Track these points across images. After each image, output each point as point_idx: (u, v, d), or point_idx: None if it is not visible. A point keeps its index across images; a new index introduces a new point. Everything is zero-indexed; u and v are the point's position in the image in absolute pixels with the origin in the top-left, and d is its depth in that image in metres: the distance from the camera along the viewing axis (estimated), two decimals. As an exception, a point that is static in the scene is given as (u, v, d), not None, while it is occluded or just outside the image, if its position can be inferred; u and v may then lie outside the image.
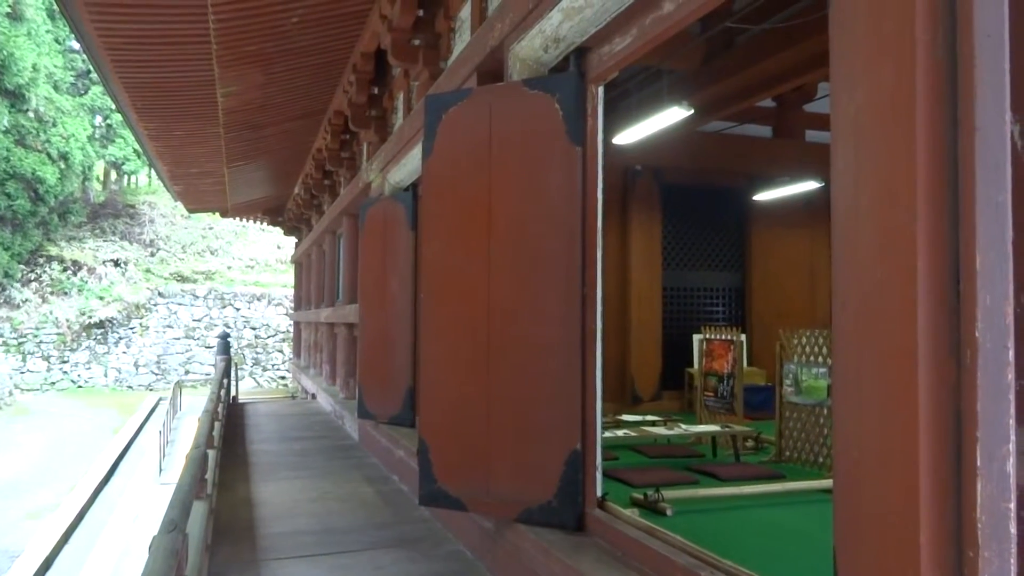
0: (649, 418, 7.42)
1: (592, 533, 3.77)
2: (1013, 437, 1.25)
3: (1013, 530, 1.24)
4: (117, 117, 29.27)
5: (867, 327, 1.64)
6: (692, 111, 6.87)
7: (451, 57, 6.38)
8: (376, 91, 9.28)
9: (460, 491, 4.25)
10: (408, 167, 7.50)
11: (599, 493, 3.87)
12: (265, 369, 28.42)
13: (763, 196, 10.04)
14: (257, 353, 28.50)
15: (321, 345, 14.26)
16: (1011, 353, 1.27)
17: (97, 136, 33.09)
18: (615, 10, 3.60)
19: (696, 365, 7.91)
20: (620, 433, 6.30)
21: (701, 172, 10.10)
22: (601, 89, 4.07)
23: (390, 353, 7.34)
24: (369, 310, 8.00)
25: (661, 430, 6.57)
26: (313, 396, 14.62)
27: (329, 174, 12.99)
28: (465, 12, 6.09)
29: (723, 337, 7.04)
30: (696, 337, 8.10)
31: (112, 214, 32.67)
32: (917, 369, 1.31)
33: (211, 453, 5.61)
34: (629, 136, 7.68)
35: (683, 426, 6.58)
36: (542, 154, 4.11)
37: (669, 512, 4.68)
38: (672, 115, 6.77)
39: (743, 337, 7.45)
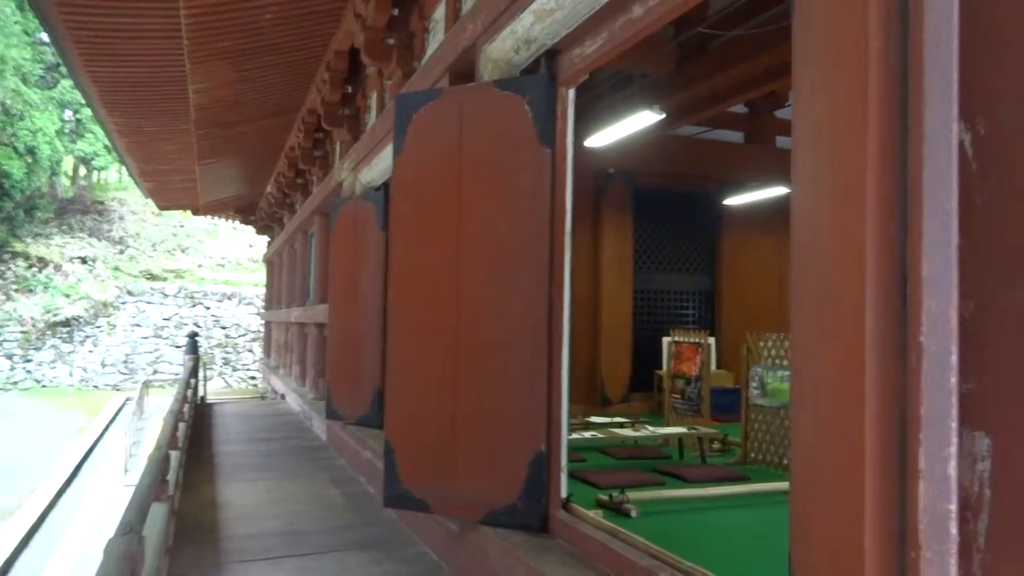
0: (617, 420, 7.46)
1: (556, 535, 3.77)
2: (955, 440, 1.28)
3: (954, 531, 1.26)
4: (87, 111, 28.79)
5: (821, 330, 1.66)
6: (664, 115, 6.92)
7: (424, 57, 6.36)
8: (349, 90, 9.23)
9: (425, 493, 4.24)
10: (379, 166, 7.46)
11: (564, 495, 3.87)
12: (235, 369, 28.11)
13: (734, 201, 10.14)
14: (227, 353, 28.18)
15: (291, 345, 14.14)
16: (955, 357, 1.29)
17: (66, 131, 32.54)
18: (585, 13, 3.62)
19: (665, 368, 7.96)
20: (588, 435, 6.32)
21: (673, 176, 10.18)
22: (572, 91, 4.08)
23: (359, 354, 7.29)
24: (338, 310, 7.94)
25: (628, 432, 6.61)
26: (283, 397, 14.49)
27: (302, 173, 12.89)
28: (440, 12, 6.08)
29: (691, 340, 7.09)
30: (665, 340, 8.15)
31: (80, 210, 32.14)
32: (864, 372, 1.33)
33: (174, 454, 5.53)
34: (602, 139, 7.72)
35: (650, 428, 6.62)
36: (512, 155, 4.11)
37: (634, 513, 4.70)
38: (644, 119, 6.81)
39: (711, 340, 7.52)
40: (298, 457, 8.27)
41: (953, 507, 1.27)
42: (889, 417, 1.31)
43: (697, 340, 7.00)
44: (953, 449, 1.28)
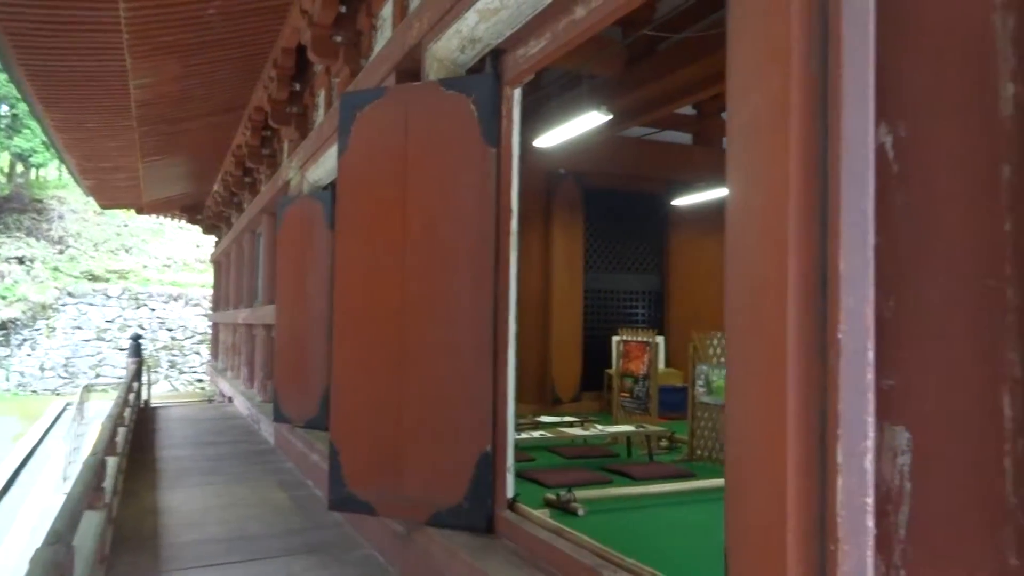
0: (567, 419, 7.50)
1: (502, 535, 3.77)
2: (872, 435, 1.31)
3: (871, 524, 1.29)
4: (24, 106, 27.81)
5: (749, 328, 1.68)
6: (612, 116, 6.98)
7: (372, 55, 6.30)
8: (297, 87, 9.09)
9: (370, 495, 4.19)
10: (327, 165, 7.37)
11: (510, 494, 3.88)
12: (182, 372, 27.46)
13: (682, 201, 10.28)
14: (173, 355, 27.52)
15: (239, 347, 13.88)
16: (871, 354, 1.32)
17: (2, 126, 31.39)
18: (529, 13, 3.63)
19: (614, 367, 8.03)
20: (537, 434, 6.34)
21: (624, 177, 10.28)
22: (518, 91, 4.09)
23: (306, 355, 7.19)
24: (286, 311, 7.82)
25: (577, 431, 6.65)
26: (230, 400, 14.21)
27: (249, 171, 12.66)
28: (387, 10, 6.03)
29: (639, 339, 7.17)
30: (615, 339, 8.23)
31: (17, 209, 31.02)
32: (786, 370, 1.36)
33: (112, 460, 5.37)
34: (551, 139, 7.75)
35: (598, 427, 6.67)
36: (457, 155, 4.10)
37: (581, 512, 4.73)
38: (592, 120, 6.86)
39: (660, 339, 7.61)
40: (245, 461, 8.11)
41: (870, 500, 1.30)
42: (810, 413, 1.34)
43: (645, 339, 7.08)
44: (870, 443, 1.31)
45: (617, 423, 7.25)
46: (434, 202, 4.16)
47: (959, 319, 1.56)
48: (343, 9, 6.70)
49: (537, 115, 8.18)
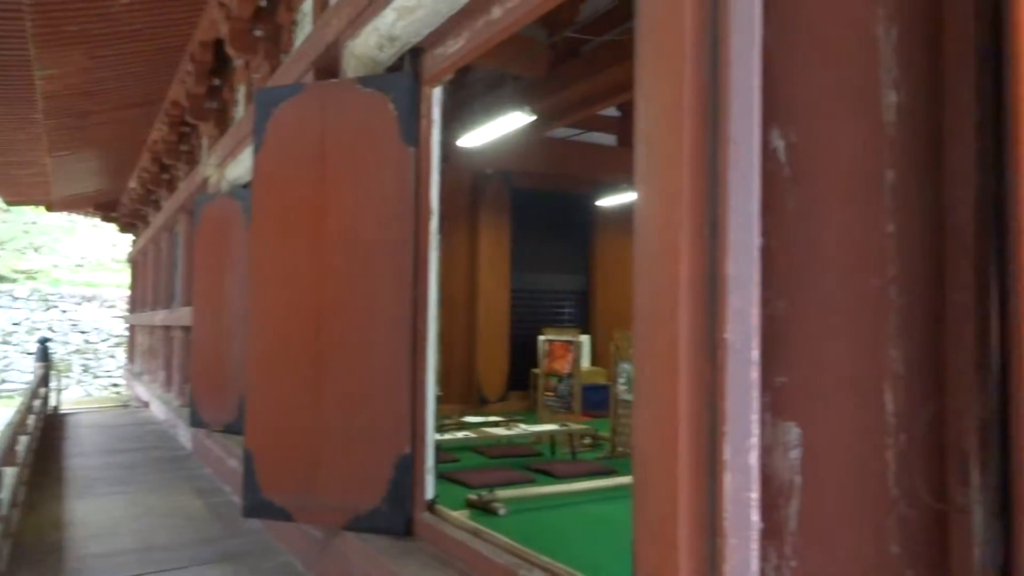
0: (492, 419, 7.50)
1: (420, 537, 3.74)
2: (757, 431, 1.35)
3: (755, 518, 1.33)
4: (-79, 96, 26.13)
5: (650, 329, 1.71)
6: (536, 117, 7.02)
7: (292, 51, 6.17)
8: (217, 82, 8.82)
9: (286, 501, 4.10)
10: (246, 163, 7.18)
11: (430, 496, 3.85)
12: (96, 376, 26.30)
13: (607, 202, 10.42)
14: (87, 359, 26.33)
15: (157, 350, 13.40)
16: (756, 353, 1.36)
17: None
18: (447, 12, 3.61)
19: (540, 366, 8.09)
20: (461, 435, 6.32)
21: (550, 177, 10.36)
22: (438, 90, 4.06)
23: (224, 357, 6.99)
24: (203, 312, 7.58)
25: (502, 431, 6.66)
26: (147, 405, 13.71)
27: (167, 168, 12.23)
28: (307, 5, 5.91)
29: (563, 338, 7.23)
30: (541, 338, 8.28)
31: (-86, 205, 29.16)
32: (679, 369, 1.38)
33: (10, 471, 5.09)
34: (476, 139, 7.74)
35: (522, 426, 6.70)
36: (376, 154, 4.05)
37: (502, 511, 4.73)
38: (516, 120, 6.89)
39: (585, 338, 7.70)
40: (160, 468, 7.83)
41: (755, 496, 1.33)
42: (701, 412, 1.36)
43: (569, 338, 7.15)
44: (755, 440, 1.35)
45: (542, 422, 7.30)
46: (352, 202, 4.09)
47: (846, 318, 1.62)
48: (263, 2, 6.54)
49: (463, 114, 8.16)
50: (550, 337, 7.47)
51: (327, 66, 4.76)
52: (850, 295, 1.58)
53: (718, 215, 1.36)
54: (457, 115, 8.54)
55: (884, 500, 1.60)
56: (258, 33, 6.62)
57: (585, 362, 8.75)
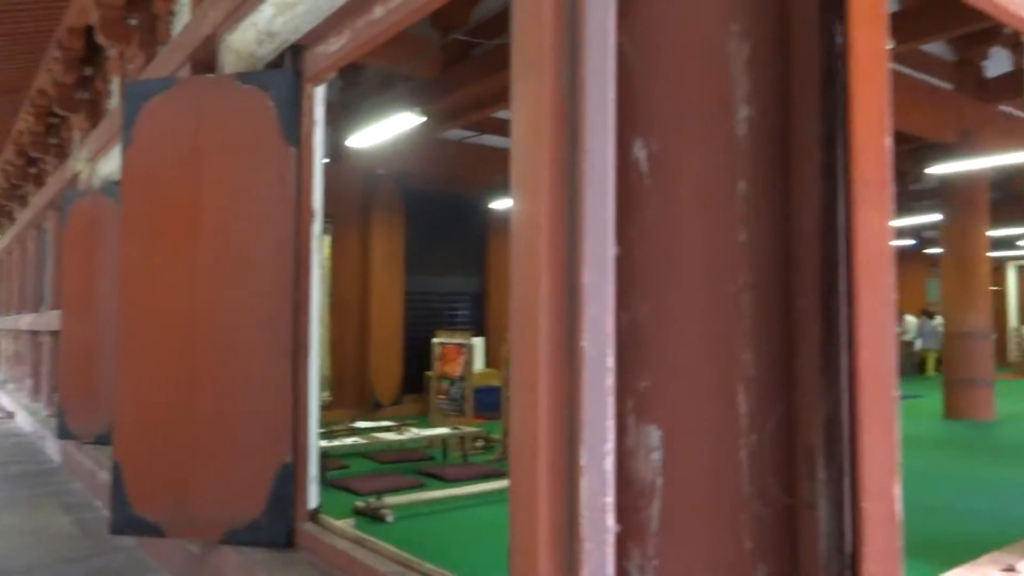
0: (384, 424, 7.40)
1: (303, 548, 3.63)
2: (612, 437, 1.38)
3: (611, 522, 1.35)
4: None
5: (520, 334, 1.72)
6: (427, 118, 6.97)
7: (169, 42, 5.88)
8: (89, 72, 8.31)
9: (158, 516, 3.89)
10: (120, 158, 6.79)
11: (312, 506, 3.75)
12: (-45, 385, 24.27)
13: (500, 205, 10.48)
14: (-55, 367, 24.25)
15: (23, 356, 12.50)
16: (610, 360, 1.39)
17: None
18: (327, 9, 3.52)
19: (432, 369, 8.04)
20: (351, 441, 6.20)
21: (444, 179, 10.32)
22: (320, 89, 3.96)
23: (95, 364, 6.58)
24: (72, 316, 7.12)
25: (393, 435, 6.58)
26: (12, 415, 12.76)
27: (34, 161, 11.43)
28: (185, -6, 5.65)
29: (456, 341, 7.22)
30: (435, 341, 8.24)
31: None
32: (540, 376, 1.39)
33: None
34: (367, 139, 7.62)
35: (414, 430, 6.64)
36: (254, 153, 3.90)
37: (390, 518, 4.67)
38: (407, 121, 6.82)
39: (478, 340, 7.70)
40: (24, 483, 7.29)
41: (610, 500, 1.36)
42: (560, 418, 1.38)
43: (461, 341, 7.14)
44: (611, 446, 1.37)
45: (434, 426, 7.25)
46: (229, 203, 3.93)
47: (703, 323, 1.68)
48: (138, -11, 6.21)
49: (354, 114, 8.02)
50: (443, 340, 7.43)
51: (204, 59, 4.56)
52: (706, 301, 1.63)
53: (576, 225, 1.38)
54: (348, 114, 8.38)
55: (738, 497, 1.66)
56: (132, 22, 6.28)
57: (479, 364, 8.75)
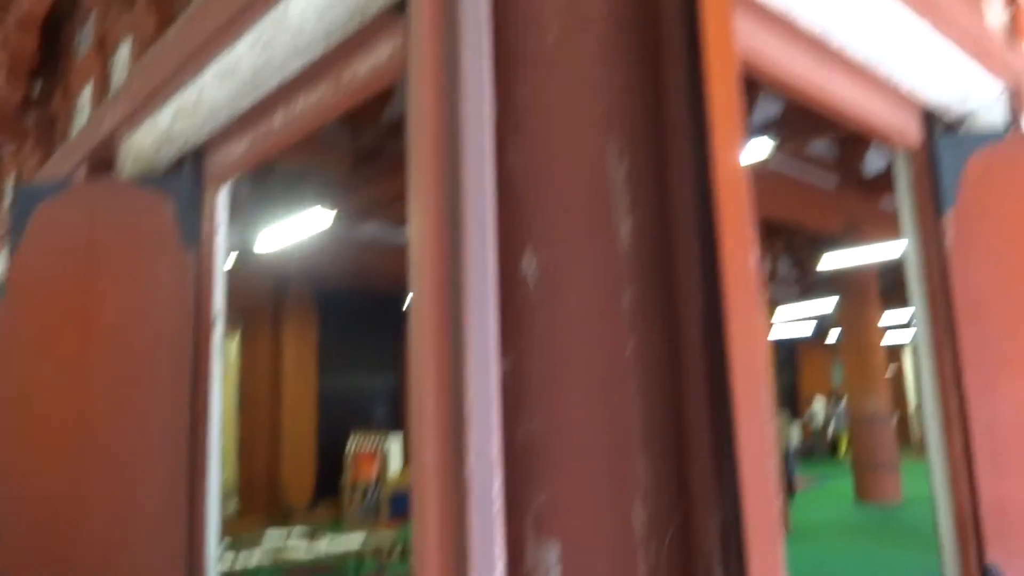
0: (297, 531, 7.03)
1: None
2: (501, 564, 1.33)
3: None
4: None
5: (416, 457, 1.67)
6: (338, 215, 6.97)
7: (67, 141, 5.74)
8: (-19, 170, 8.00)
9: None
10: (6, 262, 6.48)
11: (207, 635, 3.47)
12: None
13: (417, 300, 10.44)
14: None
15: None
16: (498, 483, 1.35)
17: None
18: (228, 115, 3.52)
19: (345, 474, 7.75)
20: (256, 557, 5.84)
21: (358, 276, 10.23)
22: (223, 191, 3.90)
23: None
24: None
25: (305, 545, 6.24)
26: None
27: (-82, 263, 10.77)
28: (86, 94, 5.57)
29: (370, 445, 7.01)
30: (349, 443, 7.98)
31: None
32: (428, 507, 1.34)
33: None
34: (278, 237, 7.54)
35: (328, 538, 6.32)
36: (151, 259, 3.79)
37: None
38: (318, 218, 6.80)
39: (396, 440, 7.50)
40: None
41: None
42: (450, 547, 1.33)
43: (374, 446, 6.95)
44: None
45: (349, 533, 6.93)
46: (123, 311, 3.77)
47: (595, 435, 1.67)
48: (37, 86, 6.09)
49: (266, 211, 7.95)
50: (356, 444, 7.20)
51: (103, 161, 4.45)
52: (598, 413, 1.63)
53: (459, 342, 1.37)
54: (260, 211, 8.30)
55: (638, 612, 1.62)
56: (29, 119, 6.13)
57: (398, 463, 8.50)
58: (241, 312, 8.84)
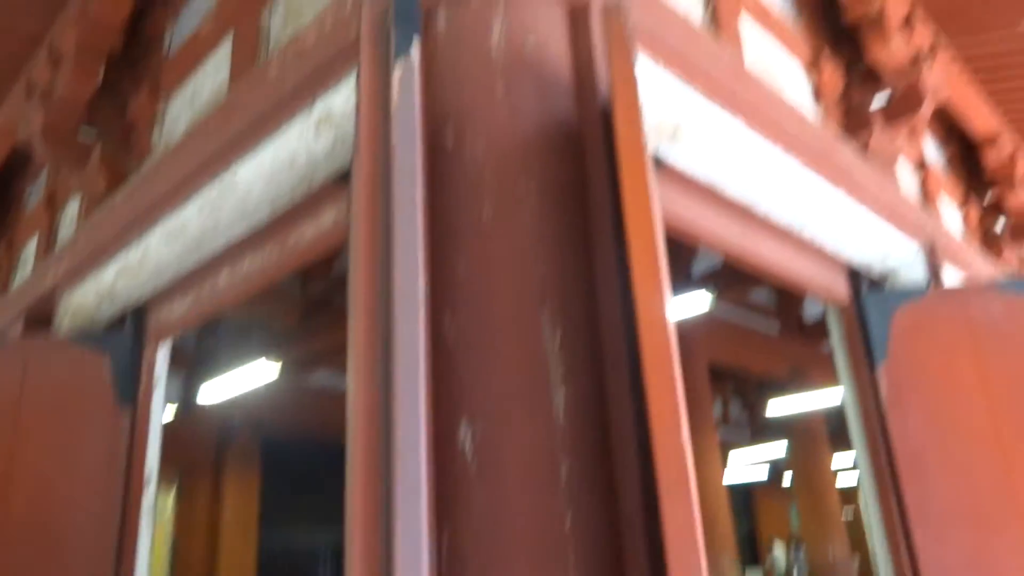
0: None
1: None
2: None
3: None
4: None
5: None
6: (284, 365, 6.88)
7: (6, 295, 5.64)
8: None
9: None
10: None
11: None
12: None
13: (366, 450, 10.15)
14: None
15: None
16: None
17: None
18: (172, 275, 3.52)
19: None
20: None
21: (307, 425, 9.94)
22: (163, 348, 3.84)
23: None
24: None
25: None
26: None
27: None
28: (30, 249, 5.54)
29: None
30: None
31: None
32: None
33: None
34: (222, 389, 7.36)
35: None
36: (83, 420, 3.65)
37: None
38: (263, 369, 6.69)
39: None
40: None
41: None
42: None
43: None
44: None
45: None
46: (48, 473, 3.58)
47: (535, 617, 1.59)
48: (-21, 243, 6.05)
49: (210, 363, 7.80)
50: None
51: (41, 315, 4.37)
52: (537, 592, 1.57)
53: (390, 522, 1.33)
54: (204, 363, 8.15)
55: None
56: (-30, 272, 6.04)
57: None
58: (179, 466, 8.45)
